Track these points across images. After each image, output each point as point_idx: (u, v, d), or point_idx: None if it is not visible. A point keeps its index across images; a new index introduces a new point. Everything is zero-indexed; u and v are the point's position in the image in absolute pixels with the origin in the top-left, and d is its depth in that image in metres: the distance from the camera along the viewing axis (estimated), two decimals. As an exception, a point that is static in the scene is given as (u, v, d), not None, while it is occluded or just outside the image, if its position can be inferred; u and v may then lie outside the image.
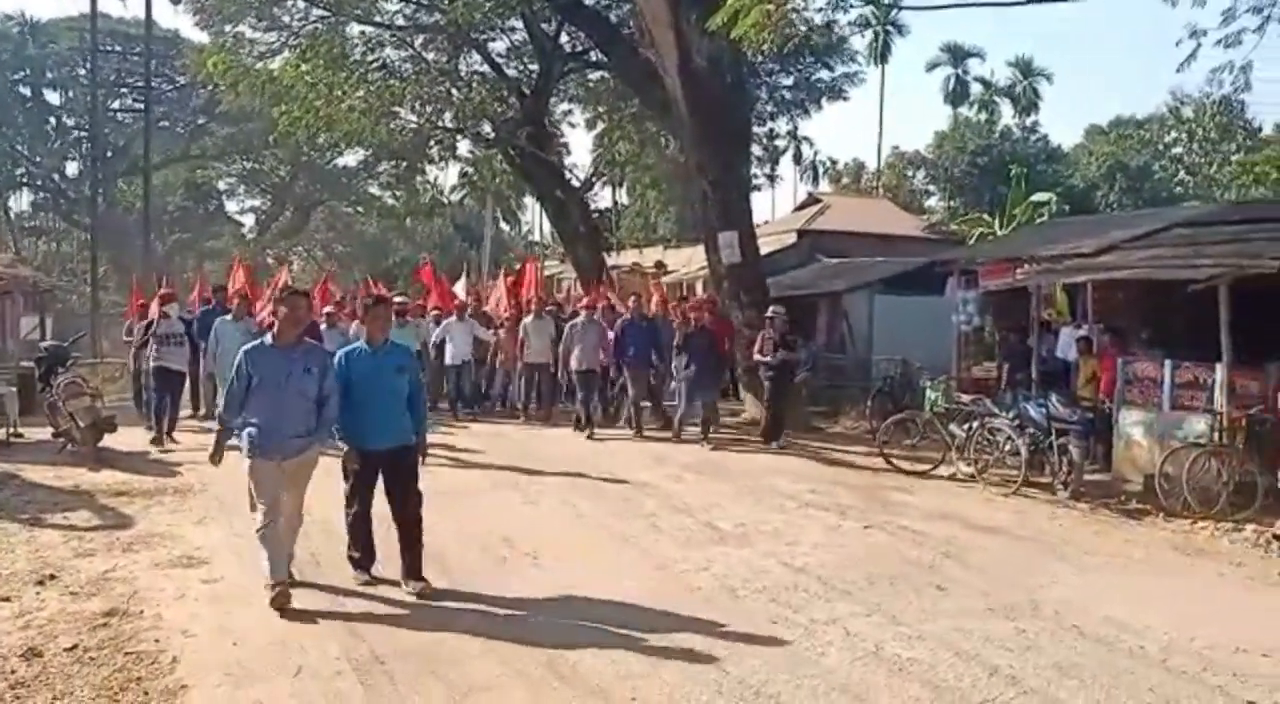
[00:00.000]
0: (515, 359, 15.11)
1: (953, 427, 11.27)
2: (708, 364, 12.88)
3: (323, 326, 13.34)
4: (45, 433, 12.03)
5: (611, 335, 13.81)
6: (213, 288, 15.39)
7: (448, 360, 15.34)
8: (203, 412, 13.76)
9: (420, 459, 6.44)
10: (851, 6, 15.82)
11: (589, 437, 13.09)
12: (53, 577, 6.54)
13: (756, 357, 12.86)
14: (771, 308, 12.81)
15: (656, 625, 5.71)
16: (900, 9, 28.31)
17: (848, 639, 5.53)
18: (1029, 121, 53.78)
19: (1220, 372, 9.63)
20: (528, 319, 14.89)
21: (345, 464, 6.29)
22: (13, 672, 4.93)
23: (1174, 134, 47.81)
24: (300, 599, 6.06)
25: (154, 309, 13.56)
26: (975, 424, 10.73)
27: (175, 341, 12.44)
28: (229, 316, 12.71)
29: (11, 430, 12.62)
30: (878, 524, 8.50)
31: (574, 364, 13.53)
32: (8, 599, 6.06)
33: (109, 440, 11.43)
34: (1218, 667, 5.23)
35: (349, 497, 6.37)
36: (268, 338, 6.03)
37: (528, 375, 15.03)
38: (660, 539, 7.89)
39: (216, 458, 6.10)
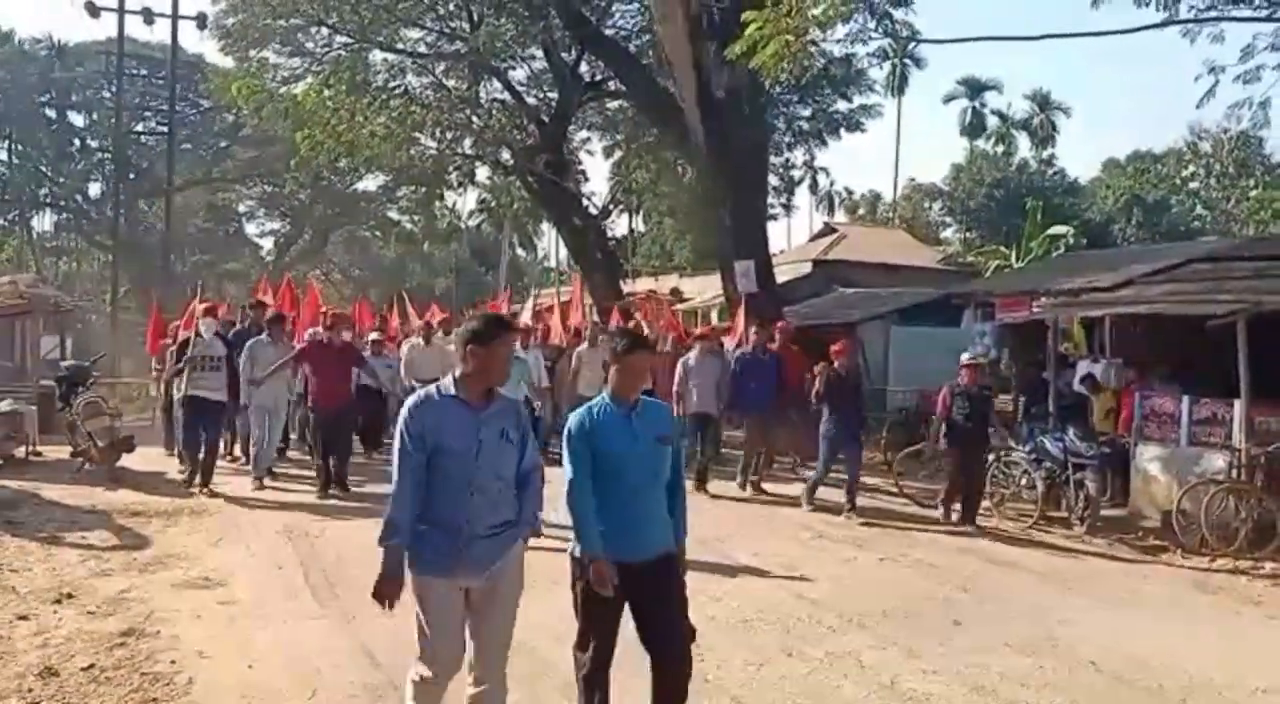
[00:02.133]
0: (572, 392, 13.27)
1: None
2: (857, 417, 10.83)
3: (365, 354, 12.43)
4: (64, 452, 12.12)
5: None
6: (247, 305, 13.28)
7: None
8: (238, 452, 12.51)
9: (681, 565, 4.36)
10: (870, 39, 15.92)
11: (703, 490, 11.15)
12: (70, 596, 6.57)
13: (942, 420, 10.29)
14: (969, 355, 10.76)
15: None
16: (918, 43, 28.42)
17: (863, 672, 5.50)
18: (1046, 154, 53.88)
19: (1239, 408, 9.58)
20: (581, 347, 13.40)
21: (579, 588, 4.12)
22: (29, 690, 4.95)
23: (1191, 168, 47.78)
24: (317, 624, 6.09)
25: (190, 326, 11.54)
26: (991, 457, 10.68)
27: (211, 366, 10.63)
28: (265, 337, 11.07)
29: (30, 449, 12.72)
30: (893, 557, 8.47)
31: (689, 406, 11.54)
32: (25, 617, 6.10)
33: (126, 460, 11.52)
34: (1237, 707, 5.18)
35: (582, 636, 4.17)
36: (445, 385, 3.92)
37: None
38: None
39: (391, 595, 3.81)
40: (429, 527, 3.83)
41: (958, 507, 10.09)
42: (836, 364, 10.66)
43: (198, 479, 10.43)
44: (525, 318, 16.13)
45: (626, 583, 4.02)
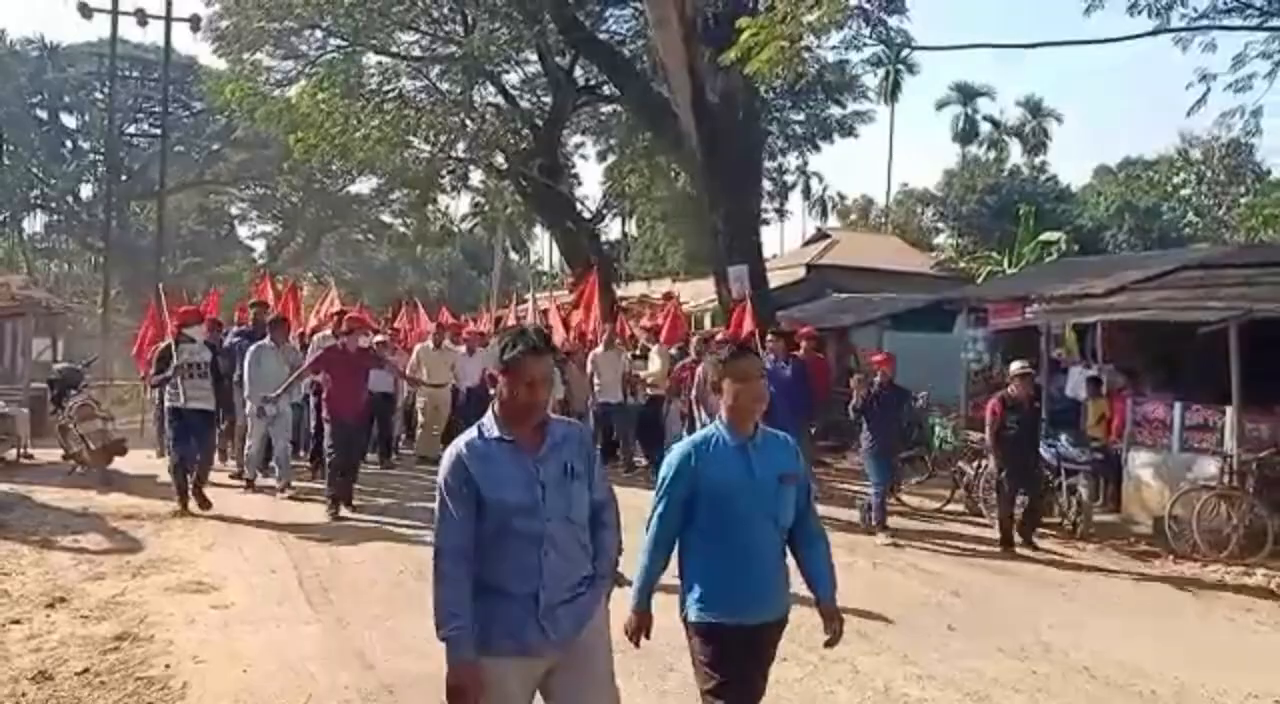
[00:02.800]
0: (588, 399, 13.07)
1: (961, 464, 11.26)
2: (896, 432, 10.30)
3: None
4: (56, 454, 12.10)
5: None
6: (250, 305, 12.64)
7: None
8: (233, 462, 11.89)
9: (834, 627, 3.65)
10: (864, 45, 16.01)
11: None
12: (63, 600, 6.56)
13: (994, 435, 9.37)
14: (1020, 364, 9.64)
15: (664, 659, 5.69)
16: (912, 49, 28.52)
17: (857, 677, 5.51)
18: (1038, 161, 54.06)
19: (1230, 414, 9.63)
20: (597, 351, 13.05)
21: (700, 659, 3.50)
22: (24, 695, 4.94)
23: (1183, 176, 47.97)
24: (311, 626, 6.09)
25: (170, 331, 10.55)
26: (984, 462, 10.70)
27: (199, 373, 9.72)
28: (267, 341, 10.90)
29: (22, 451, 12.68)
30: (887, 562, 8.49)
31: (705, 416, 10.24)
32: (19, 621, 6.09)
33: (119, 463, 11.50)
34: (1230, 712, 5.21)
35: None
36: (488, 425, 3.11)
37: (600, 414, 13.06)
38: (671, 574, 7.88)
39: (473, 691, 2.99)
40: (494, 597, 3.05)
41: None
42: (878, 377, 9.95)
43: (192, 491, 9.71)
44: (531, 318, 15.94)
45: (744, 644, 3.44)
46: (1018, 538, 9.25)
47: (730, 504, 3.40)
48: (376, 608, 6.56)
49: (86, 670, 5.27)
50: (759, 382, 3.49)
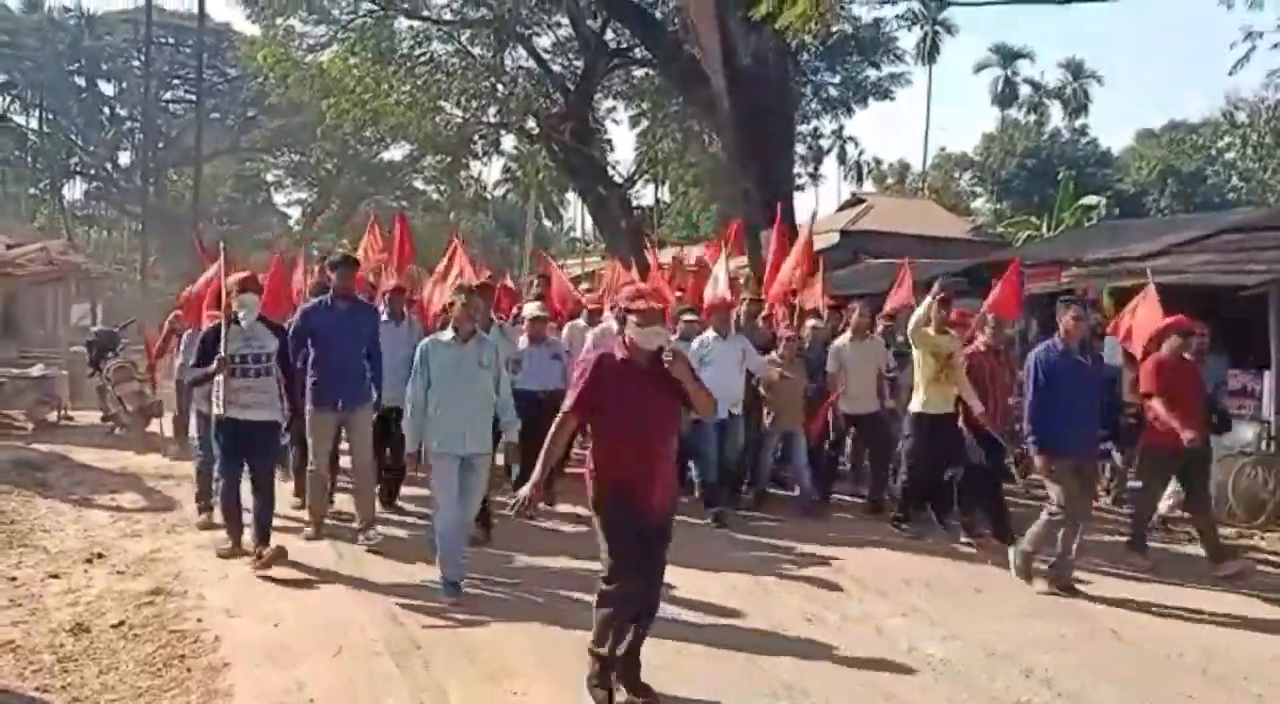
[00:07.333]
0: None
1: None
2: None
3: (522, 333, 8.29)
4: (95, 416, 12.30)
5: None
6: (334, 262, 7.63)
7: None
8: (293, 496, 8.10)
9: None
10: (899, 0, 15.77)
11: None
12: (101, 556, 6.72)
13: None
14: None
15: (690, 618, 5.73)
16: (949, 4, 28.04)
17: (880, 638, 5.52)
18: (1078, 124, 53.04)
19: (1269, 379, 9.46)
20: (844, 340, 9.06)
21: None
22: (61, 645, 5.07)
23: (1227, 139, 46.86)
24: (341, 585, 6.18)
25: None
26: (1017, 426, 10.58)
27: (256, 368, 6.57)
28: (446, 334, 6.12)
29: (62, 413, 12.91)
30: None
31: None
32: (58, 576, 6.24)
33: (156, 425, 11.67)
34: (1258, 676, 5.15)
35: None
36: None
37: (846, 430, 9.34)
38: (700, 538, 7.91)
39: None
40: None
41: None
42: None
43: (250, 543, 6.60)
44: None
45: None
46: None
47: None
48: (406, 567, 6.64)
49: (122, 623, 5.39)
50: None
